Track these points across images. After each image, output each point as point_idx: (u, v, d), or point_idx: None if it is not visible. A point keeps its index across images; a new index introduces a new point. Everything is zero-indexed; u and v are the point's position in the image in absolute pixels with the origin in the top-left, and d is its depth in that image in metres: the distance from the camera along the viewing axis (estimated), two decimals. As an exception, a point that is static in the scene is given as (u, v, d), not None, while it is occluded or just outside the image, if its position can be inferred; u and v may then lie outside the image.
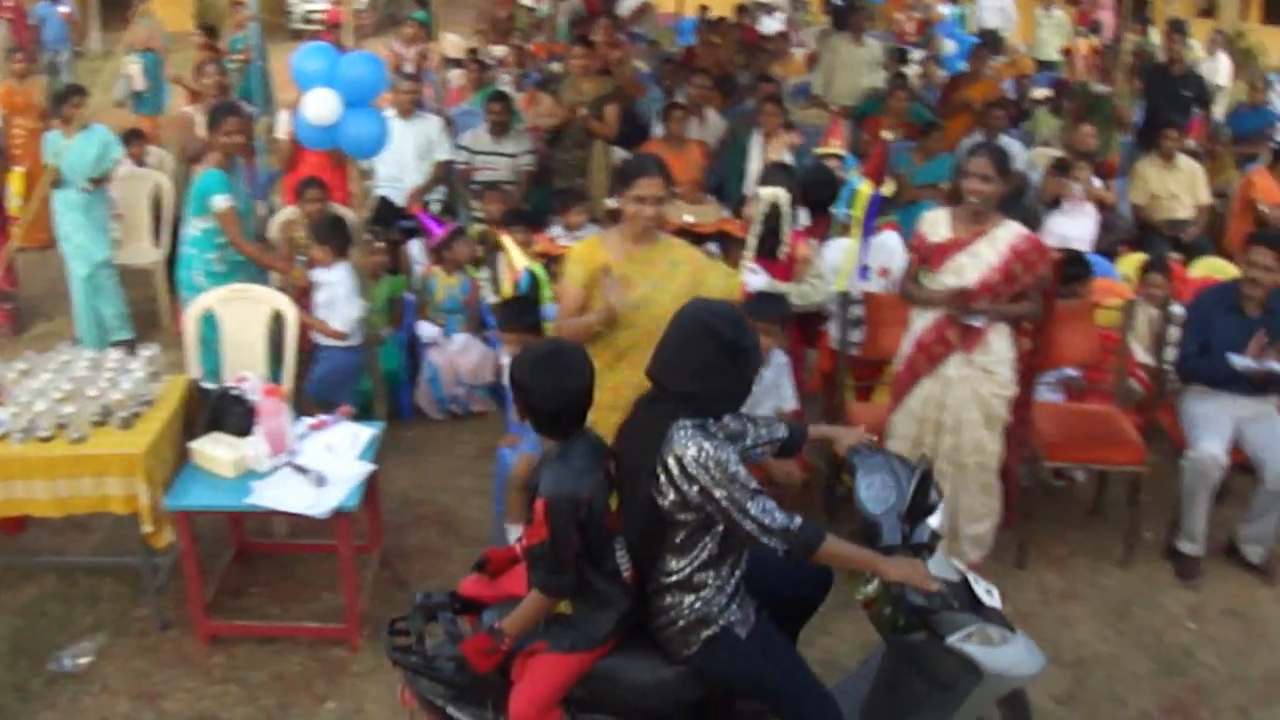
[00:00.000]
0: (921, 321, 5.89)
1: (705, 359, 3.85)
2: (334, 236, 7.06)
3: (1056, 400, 7.08)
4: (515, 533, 6.04)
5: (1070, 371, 7.08)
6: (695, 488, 3.76)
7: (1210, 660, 5.73)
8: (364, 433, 5.78)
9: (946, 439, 5.87)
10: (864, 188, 7.16)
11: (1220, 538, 6.56)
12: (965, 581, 4.28)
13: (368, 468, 5.53)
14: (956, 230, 5.77)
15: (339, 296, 6.94)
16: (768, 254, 6.80)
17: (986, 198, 5.64)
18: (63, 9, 17.13)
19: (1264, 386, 6.28)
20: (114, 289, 8.72)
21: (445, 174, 9.65)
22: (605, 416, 5.15)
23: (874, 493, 4.28)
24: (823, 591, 4.53)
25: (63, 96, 8.86)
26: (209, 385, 6.00)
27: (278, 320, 6.73)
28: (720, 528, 3.87)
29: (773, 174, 7.01)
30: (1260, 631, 5.99)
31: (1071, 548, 6.62)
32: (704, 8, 17.96)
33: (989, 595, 4.28)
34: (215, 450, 5.47)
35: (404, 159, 9.50)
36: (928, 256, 5.85)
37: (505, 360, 5.96)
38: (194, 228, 7.09)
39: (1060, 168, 9.86)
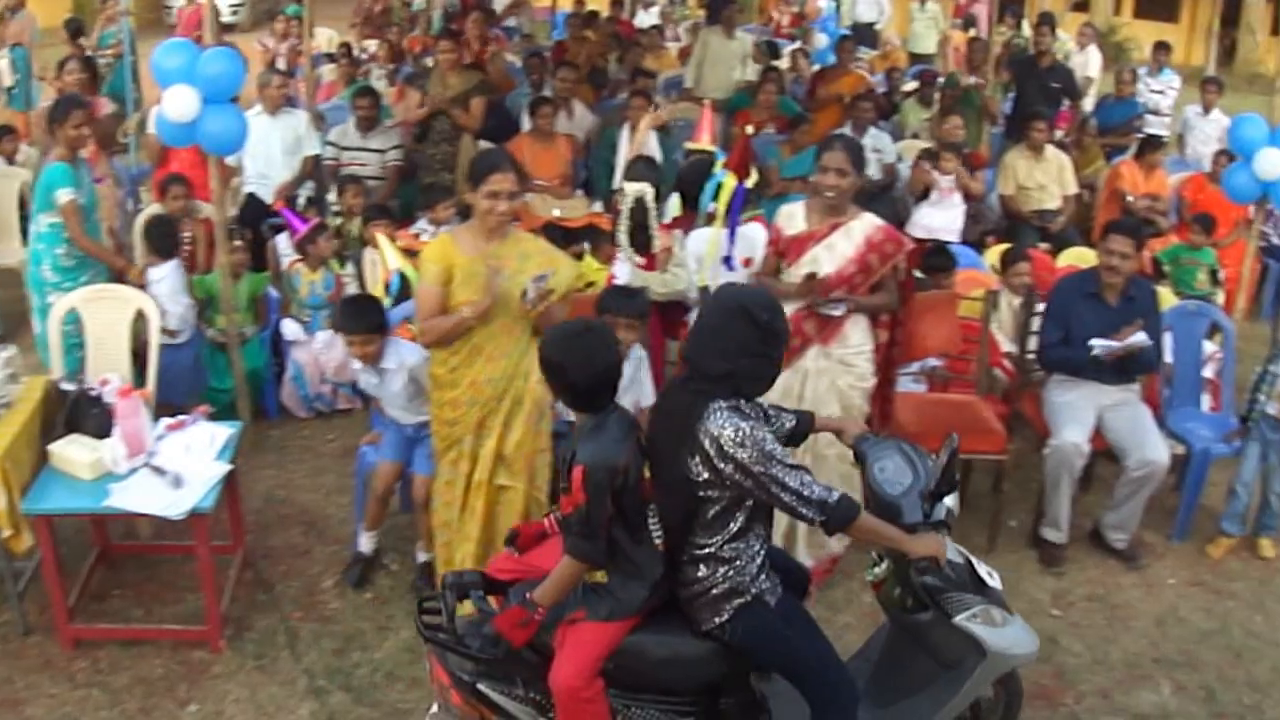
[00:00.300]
0: None
1: (740, 341, 3.95)
2: (157, 236, 7.22)
3: (920, 391, 7.12)
4: (368, 541, 6.10)
5: (934, 362, 7.14)
6: (731, 465, 3.85)
7: (1074, 646, 5.82)
8: (222, 432, 5.73)
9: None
10: (728, 180, 7.21)
11: (1086, 525, 6.67)
12: (969, 563, 4.39)
13: (224, 468, 5.48)
14: (812, 223, 5.79)
15: (163, 294, 6.94)
16: (639, 249, 6.86)
17: (842, 191, 5.66)
18: None
19: (1125, 372, 6.38)
20: None
21: (313, 170, 9.58)
22: (466, 413, 5.24)
23: (889, 475, 4.40)
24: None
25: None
26: (69, 387, 5.91)
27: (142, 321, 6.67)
28: (750, 502, 4.00)
29: (636, 169, 7.08)
30: (1123, 616, 6.10)
31: None
32: (578, 2, 18.00)
33: (990, 577, 4.40)
34: (73, 453, 5.40)
35: (272, 155, 9.40)
36: (784, 250, 5.86)
37: (355, 365, 5.95)
38: (41, 223, 6.97)
39: (928, 159, 10.00)
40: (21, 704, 5.20)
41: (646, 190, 6.79)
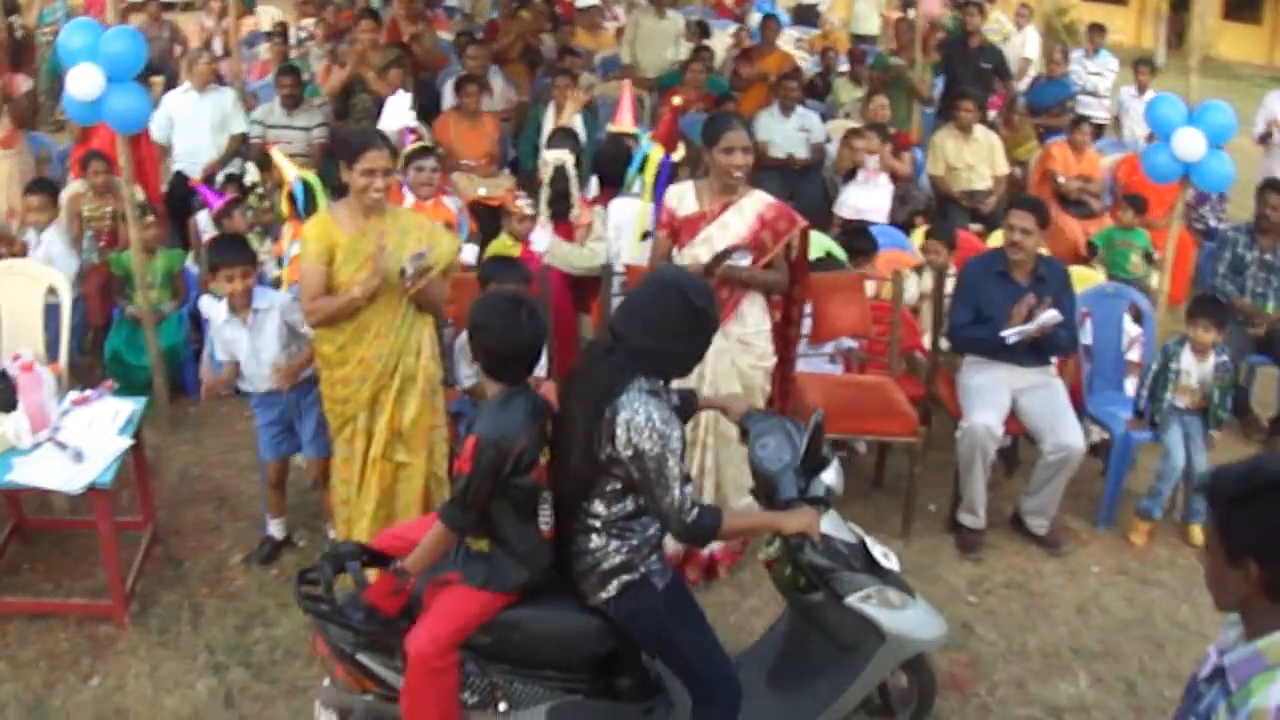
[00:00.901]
0: None
1: (669, 318, 3.97)
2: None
3: (835, 371, 7.13)
4: (276, 526, 6.13)
5: (849, 343, 7.14)
6: (631, 451, 3.87)
7: (989, 635, 5.76)
8: (125, 407, 5.74)
9: (710, 415, 5.80)
10: (655, 153, 7.23)
11: (1008, 510, 6.65)
12: (863, 544, 4.41)
13: (125, 443, 5.49)
14: (704, 203, 5.74)
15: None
16: (558, 217, 6.91)
17: (747, 169, 5.65)
18: None
19: (1040, 353, 6.37)
20: None
21: (240, 147, 9.57)
22: (357, 390, 5.26)
23: (769, 452, 4.41)
24: None
25: None
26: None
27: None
28: (636, 498, 4.04)
29: (558, 138, 7.15)
30: (1042, 605, 6.04)
31: (849, 520, 6.39)
32: (519, -23, 17.91)
33: (886, 559, 4.42)
34: (-23, 427, 5.44)
35: (200, 133, 9.47)
36: (678, 230, 5.81)
37: (219, 319, 5.84)
38: None
39: (855, 139, 10.06)
40: (-75, 677, 5.22)
41: (567, 158, 6.87)
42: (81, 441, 5.43)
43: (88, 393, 5.84)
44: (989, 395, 6.38)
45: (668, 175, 7.12)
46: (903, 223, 9.72)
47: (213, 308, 5.89)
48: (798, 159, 10.45)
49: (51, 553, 6.09)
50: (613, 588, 4.12)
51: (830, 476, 4.43)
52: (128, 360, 7.42)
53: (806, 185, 10.52)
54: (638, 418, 3.87)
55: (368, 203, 5.17)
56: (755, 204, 5.73)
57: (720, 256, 5.55)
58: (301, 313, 5.49)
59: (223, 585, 5.89)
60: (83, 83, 6.35)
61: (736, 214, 5.69)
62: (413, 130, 7.57)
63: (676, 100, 8.34)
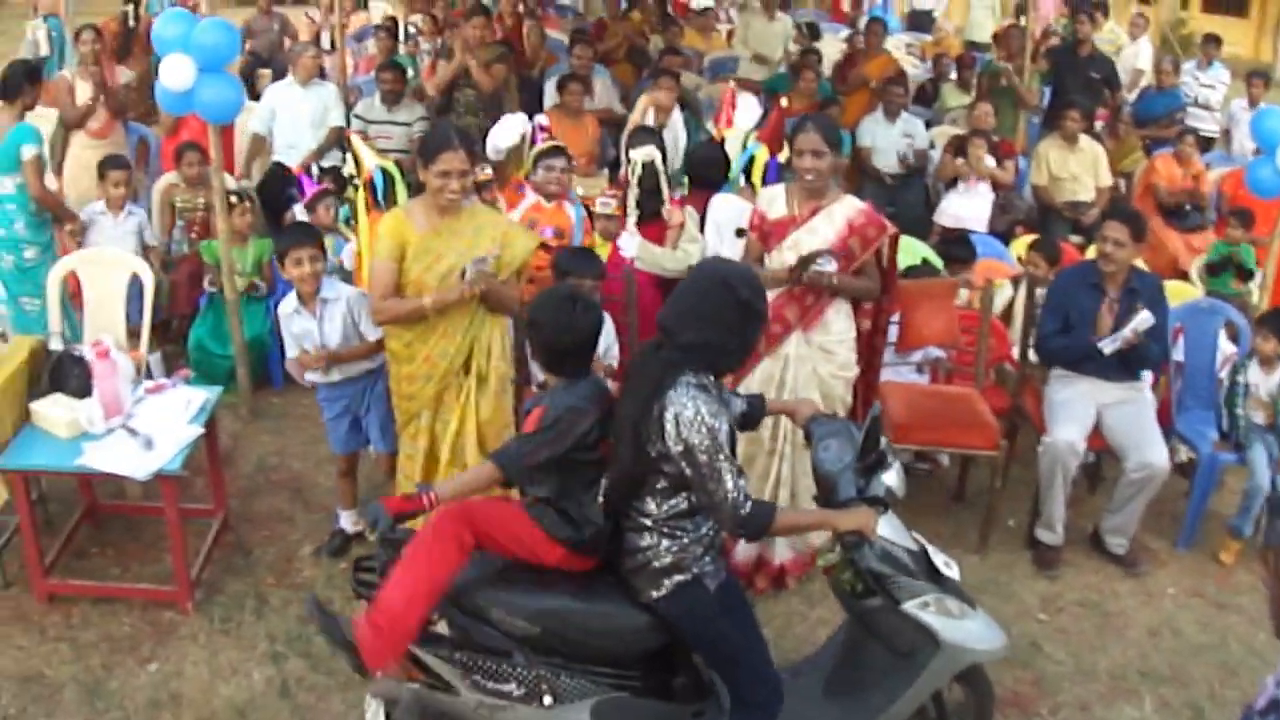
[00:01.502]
0: None
1: (718, 312, 3.93)
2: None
3: (921, 381, 7.02)
4: (347, 518, 6.15)
5: (937, 352, 7.02)
6: (681, 446, 3.85)
7: (1058, 653, 5.65)
8: (199, 396, 5.79)
9: (785, 419, 5.68)
10: (761, 153, 7.17)
11: (1088, 527, 6.51)
12: (924, 552, 4.34)
13: (196, 431, 5.54)
14: (793, 207, 5.66)
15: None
16: (649, 216, 6.84)
17: (821, 172, 5.52)
18: None
19: (1129, 366, 6.20)
20: None
21: (338, 140, 9.64)
22: (421, 388, 5.27)
23: (830, 454, 4.34)
24: None
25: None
26: (56, 347, 5.99)
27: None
28: (690, 495, 4.02)
29: (641, 135, 7.08)
30: (1114, 625, 5.90)
31: (928, 533, 6.22)
32: (633, -21, 17.97)
33: (948, 567, 4.34)
34: (52, 412, 5.50)
35: (300, 125, 9.54)
36: (767, 233, 5.74)
37: (289, 310, 5.80)
38: (7, 185, 7.28)
39: (958, 147, 9.92)
40: (-10, 654, 5.33)
41: (654, 154, 6.77)
42: (153, 429, 5.48)
43: (163, 381, 5.92)
44: (1073, 410, 6.24)
45: (775, 176, 7.03)
46: (1002, 232, 9.56)
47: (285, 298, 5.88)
48: (903, 163, 10.32)
49: (122, 537, 6.17)
50: (664, 587, 4.10)
51: (891, 477, 4.34)
52: (211, 349, 7.51)
53: (907, 192, 10.42)
54: (686, 412, 3.84)
55: (442, 203, 5.14)
56: (846, 209, 5.62)
57: (805, 260, 5.46)
58: (367, 312, 5.55)
59: (290, 576, 5.93)
60: (175, 73, 6.41)
61: (826, 219, 5.60)
62: (545, 128, 7.49)
63: (784, 101, 8.24)
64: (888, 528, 4.26)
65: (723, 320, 3.93)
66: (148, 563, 5.94)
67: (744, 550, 5.88)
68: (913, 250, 8.13)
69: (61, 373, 5.68)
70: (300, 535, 6.25)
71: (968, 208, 9.73)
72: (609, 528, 4.19)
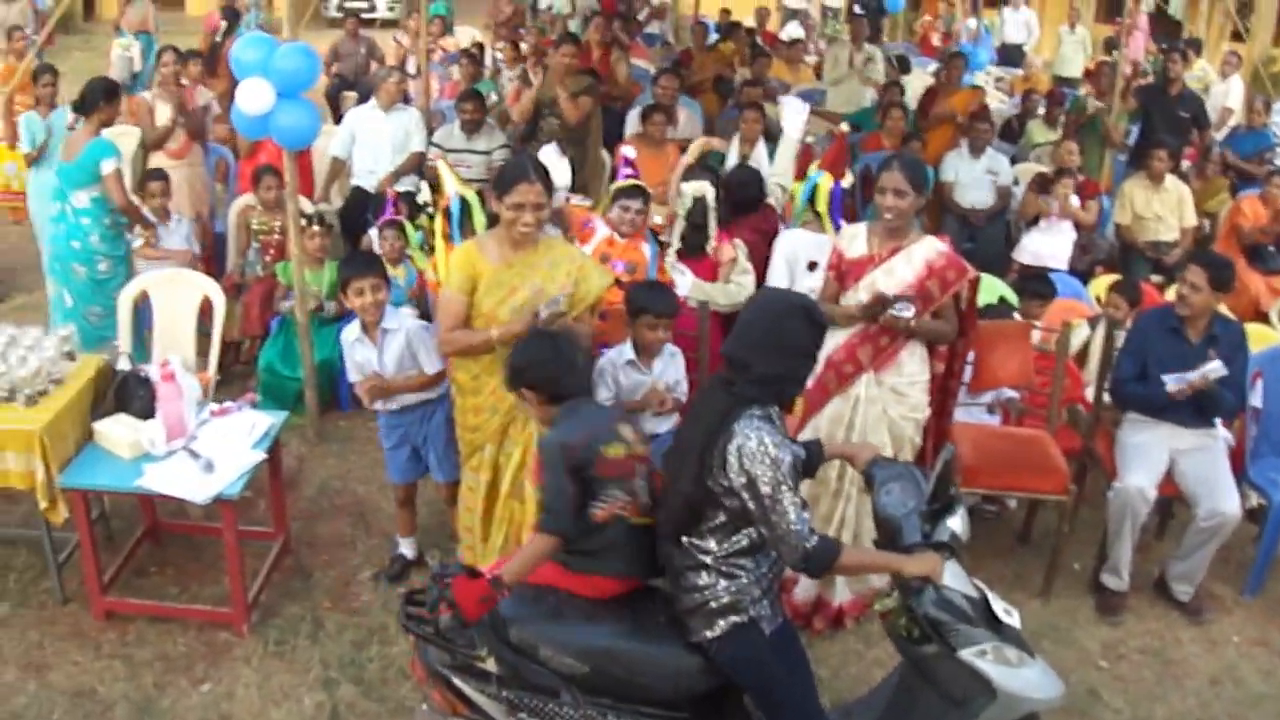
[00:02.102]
0: (834, 339, 5.59)
1: (797, 339, 3.96)
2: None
3: (992, 422, 6.91)
4: (407, 545, 6.16)
5: (1010, 393, 6.90)
6: (744, 478, 3.83)
7: (1116, 701, 5.54)
8: (264, 421, 5.81)
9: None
10: (824, 181, 7.09)
11: (1154, 573, 6.39)
12: (984, 599, 4.24)
13: (258, 456, 5.56)
14: (873, 246, 5.56)
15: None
16: (693, 251, 6.81)
17: (901, 212, 5.42)
18: None
19: (1203, 412, 6.08)
20: None
21: (418, 165, 9.68)
22: (487, 420, 5.24)
23: (894, 498, 4.28)
24: None
25: (34, 77, 9.10)
26: (124, 367, 6.04)
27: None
28: (751, 532, 3.99)
29: (695, 171, 7.04)
30: (1175, 674, 5.77)
31: (991, 576, 6.22)
32: (725, 11, 18.00)
33: (1008, 615, 4.24)
34: (115, 431, 5.56)
35: (381, 150, 9.59)
36: (845, 272, 5.65)
37: (351, 339, 5.80)
38: (82, 199, 7.48)
39: (1042, 184, 9.80)
40: (46, 669, 5.37)
41: (707, 190, 6.76)
42: (214, 452, 5.51)
43: (228, 404, 5.93)
44: (1146, 455, 6.12)
45: (840, 202, 6.96)
46: (1082, 271, 9.42)
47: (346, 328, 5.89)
48: (978, 211, 10.19)
49: (182, 557, 6.21)
50: (719, 627, 4.06)
51: (956, 523, 4.28)
52: (281, 371, 7.56)
53: (989, 229, 10.28)
54: (749, 443, 3.81)
55: (515, 236, 5.09)
56: (925, 250, 5.51)
57: (881, 301, 5.37)
58: (426, 346, 5.59)
59: (347, 600, 5.93)
60: (252, 97, 6.45)
61: (905, 260, 5.49)
62: (630, 162, 7.45)
63: (845, 126, 8.18)
64: (950, 574, 4.17)
65: (801, 348, 3.98)
66: (206, 583, 5.97)
67: (803, 590, 5.81)
68: (991, 288, 8.03)
69: (126, 393, 5.74)
70: (360, 560, 6.26)
71: (1048, 246, 9.60)
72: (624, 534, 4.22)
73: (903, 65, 14.10)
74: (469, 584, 4.04)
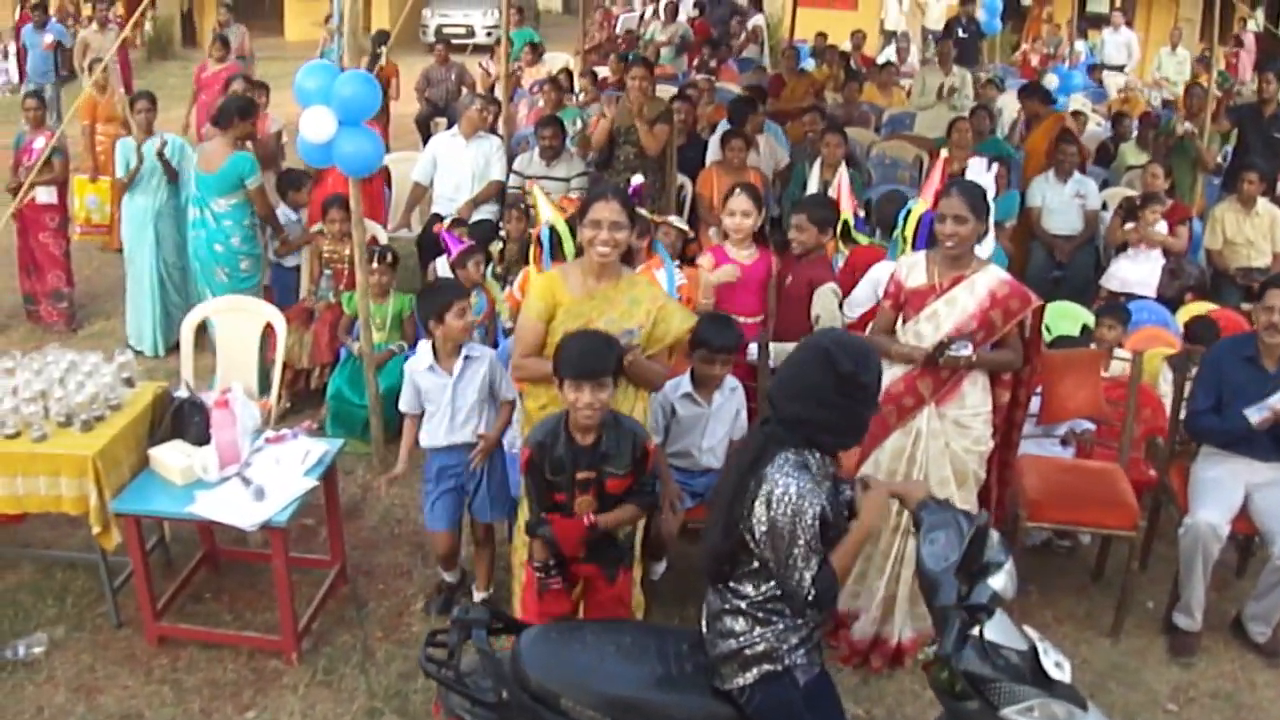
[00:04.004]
0: (892, 372, 5.47)
1: (817, 387, 3.77)
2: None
3: (1064, 455, 6.74)
4: (448, 574, 6.12)
5: (1086, 425, 6.77)
6: (765, 526, 3.74)
7: None
8: (318, 449, 5.83)
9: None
10: (918, 206, 6.98)
11: (1231, 612, 6.18)
12: (1034, 651, 4.01)
13: (309, 484, 5.57)
14: (933, 275, 5.42)
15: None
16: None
17: (961, 239, 5.28)
18: (48, 39, 15.97)
19: None
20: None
21: (498, 193, 9.69)
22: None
23: (936, 549, 4.06)
24: None
25: (131, 104, 9.33)
26: (182, 394, 6.07)
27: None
28: None
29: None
30: (1247, 719, 5.59)
31: (1061, 614, 6.25)
32: (821, 35, 17.93)
33: (1059, 669, 4.00)
34: (168, 457, 5.60)
35: (461, 178, 9.68)
36: (904, 303, 5.52)
37: (422, 365, 5.71)
38: (222, 205, 8.33)
39: (1128, 210, 9.59)
40: (96, 692, 5.44)
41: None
42: (266, 479, 5.53)
43: (284, 432, 5.96)
44: (1219, 490, 5.91)
45: (928, 231, 6.84)
46: (1172, 298, 9.17)
47: (415, 354, 5.84)
48: (1063, 241, 10.00)
49: (239, 584, 6.24)
50: (751, 675, 3.93)
51: (999, 580, 4.00)
52: (350, 398, 7.57)
53: (1078, 254, 10.07)
54: (777, 489, 3.70)
55: (596, 259, 5.02)
56: (988, 280, 5.36)
57: (941, 346, 5.27)
58: (504, 373, 5.57)
59: (399, 631, 5.91)
60: (315, 125, 6.49)
61: (967, 290, 5.35)
62: (638, 190, 7.35)
63: (944, 152, 8.08)
64: (995, 630, 3.96)
65: (822, 394, 3.77)
66: (260, 610, 5.99)
67: (861, 629, 5.70)
68: (1074, 316, 7.89)
69: (182, 419, 5.79)
70: (415, 590, 6.24)
71: (1136, 272, 9.40)
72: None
73: (999, 88, 13.91)
74: (567, 523, 4.29)
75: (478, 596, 5.94)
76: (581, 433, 4.61)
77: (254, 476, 5.53)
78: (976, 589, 3.96)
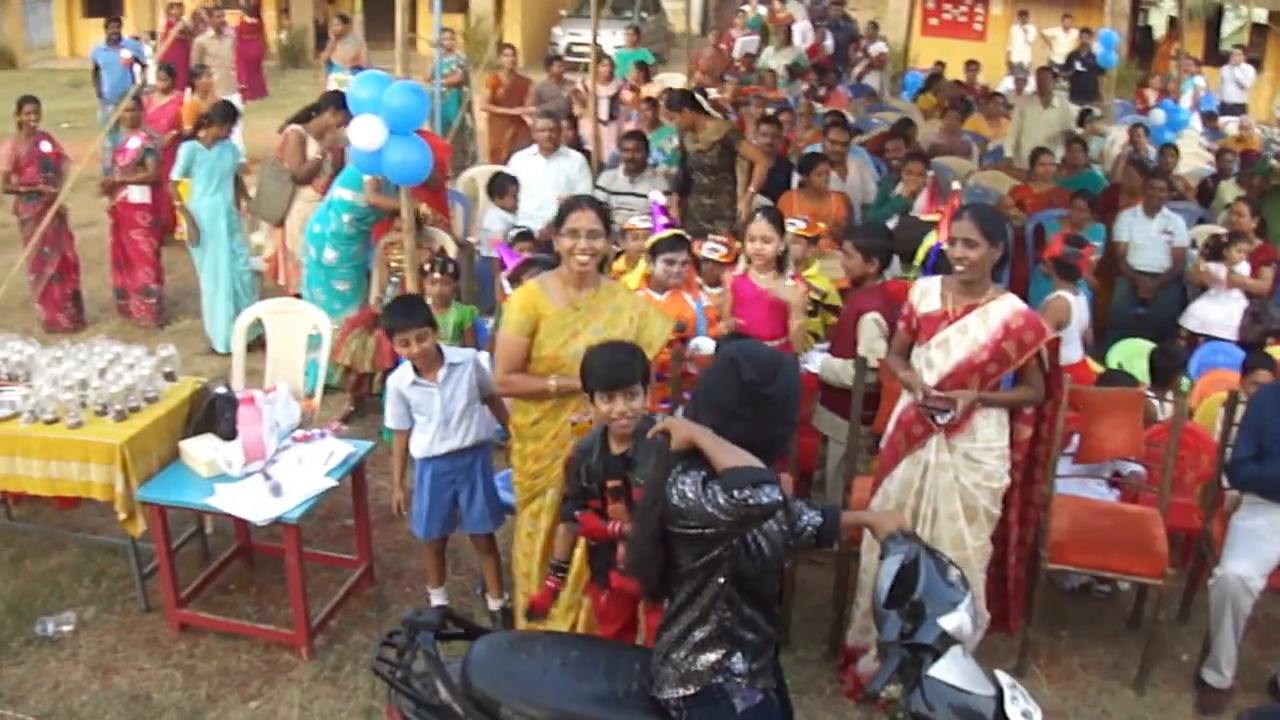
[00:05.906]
0: (904, 398, 5.46)
1: (721, 397, 3.59)
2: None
3: (1108, 498, 6.58)
4: (437, 596, 6.16)
5: (1133, 466, 6.62)
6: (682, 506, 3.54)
7: None
8: (343, 450, 5.95)
9: (924, 530, 5.32)
10: (930, 238, 6.90)
11: (1271, 670, 5.98)
12: (999, 698, 3.85)
13: (329, 484, 5.70)
14: (947, 302, 5.29)
15: None
16: None
17: (973, 264, 5.13)
18: (124, 54, 15.64)
19: None
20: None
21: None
22: (549, 466, 5.20)
23: (881, 583, 3.92)
24: None
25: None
26: (221, 390, 6.20)
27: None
28: (721, 580, 3.66)
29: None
30: None
31: (1089, 661, 6.08)
32: (939, 63, 17.84)
33: (1025, 718, 3.83)
34: (196, 450, 5.79)
35: (543, 194, 9.73)
36: (917, 328, 5.41)
37: (405, 380, 5.71)
38: (338, 194, 8.59)
39: (1213, 249, 9.40)
40: (112, 672, 5.65)
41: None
42: (286, 477, 5.67)
43: (312, 431, 6.10)
44: (1256, 542, 5.69)
45: (935, 260, 6.78)
46: (1254, 341, 8.94)
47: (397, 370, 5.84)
48: (1146, 278, 9.82)
49: (269, 578, 6.38)
50: (690, 688, 3.77)
51: (952, 621, 3.83)
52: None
53: (1162, 292, 9.88)
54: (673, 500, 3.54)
55: (575, 268, 5.04)
56: (1003, 310, 5.21)
57: (926, 407, 5.23)
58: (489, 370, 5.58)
59: (414, 632, 5.99)
60: (365, 133, 6.64)
61: (980, 319, 5.20)
62: (664, 209, 7.37)
63: (956, 184, 8.04)
64: (956, 673, 3.80)
65: (731, 406, 3.57)
66: (284, 605, 6.07)
67: (865, 665, 5.59)
68: (1141, 354, 7.73)
69: (214, 414, 5.94)
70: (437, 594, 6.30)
71: (1217, 313, 9.16)
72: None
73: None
74: (595, 524, 4.56)
75: (493, 605, 6.02)
76: (618, 441, 4.59)
77: (275, 473, 5.68)
78: (923, 627, 3.80)
